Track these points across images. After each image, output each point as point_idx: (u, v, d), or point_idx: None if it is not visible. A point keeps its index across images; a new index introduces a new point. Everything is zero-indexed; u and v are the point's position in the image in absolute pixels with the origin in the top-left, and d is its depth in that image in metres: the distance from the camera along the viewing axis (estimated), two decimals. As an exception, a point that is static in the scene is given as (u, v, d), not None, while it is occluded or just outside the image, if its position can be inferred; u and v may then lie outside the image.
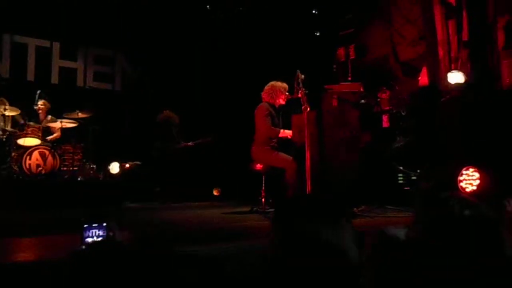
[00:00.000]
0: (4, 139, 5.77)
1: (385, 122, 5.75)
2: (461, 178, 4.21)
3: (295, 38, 7.19)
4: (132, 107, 7.69)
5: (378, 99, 5.80)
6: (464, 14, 5.12)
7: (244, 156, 4.85)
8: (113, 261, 0.95)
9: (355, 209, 3.94)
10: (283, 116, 4.69)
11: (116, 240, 1.15)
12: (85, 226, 1.30)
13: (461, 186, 4.18)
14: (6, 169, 5.58)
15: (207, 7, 7.53)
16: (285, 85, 4.60)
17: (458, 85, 4.80)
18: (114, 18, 7.26)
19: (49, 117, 6.27)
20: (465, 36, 5.12)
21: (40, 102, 6.18)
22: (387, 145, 5.41)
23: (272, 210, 4.42)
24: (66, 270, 0.99)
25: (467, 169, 4.17)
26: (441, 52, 5.31)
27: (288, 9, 7.26)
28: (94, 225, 1.31)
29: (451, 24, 5.27)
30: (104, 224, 1.33)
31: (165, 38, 7.56)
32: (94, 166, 6.35)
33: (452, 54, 5.21)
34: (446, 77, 4.95)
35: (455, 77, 4.77)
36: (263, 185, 4.59)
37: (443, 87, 5.05)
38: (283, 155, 4.49)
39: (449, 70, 5.07)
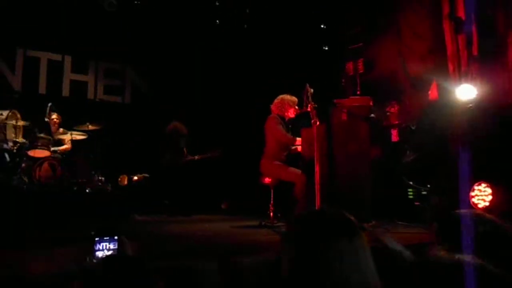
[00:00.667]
0: (15, 151, 5.83)
1: (395, 136, 5.72)
2: (473, 193, 4.15)
3: (304, 52, 7.22)
4: (141, 120, 7.73)
5: (388, 113, 5.78)
6: (474, 28, 5.11)
7: (253, 169, 4.84)
8: (125, 276, 0.94)
9: (365, 224, 3.90)
10: (293, 130, 4.69)
11: (128, 255, 1.14)
12: (96, 239, 1.28)
13: (473, 202, 4.12)
14: (16, 180, 5.62)
15: (216, 22, 7.62)
16: (294, 98, 4.61)
17: (469, 99, 4.77)
18: (123, 33, 7.36)
19: (61, 129, 6.35)
20: (475, 51, 5.10)
21: (55, 116, 6.27)
22: (397, 159, 5.38)
23: (280, 224, 4.39)
24: (76, 284, 0.98)
25: (479, 184, 4.12)
26: (451, 67, 5.29)
27: (297, 24, 7.31)
28: (105, 238, 1.29)
29: (461, 38, 5.26)
30: (115, 238, 1.30)
31: (174, 52, 7.64)
32: (103, 178, 6.37)
33: (462, 69, 5.18)
34: (456, 92, 4.93)
35: (466, 91, 4.74)
36: (272, 199, 4.57)
37: (453, 101, 5.01)
38: (292, 168, 4.48)
39: (459, 84, 5.04)
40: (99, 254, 1.29)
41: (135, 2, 7.12)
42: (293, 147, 4.59)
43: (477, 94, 4.79)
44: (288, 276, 1.12)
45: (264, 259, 2.07)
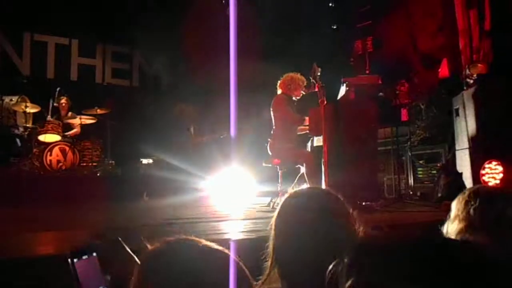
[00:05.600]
0: (26, 136, 5.89)
1: (404, 115, 5.65)
2: (483, 171, 4.10)
3: (312, 32, 7.11)
4: (149, 103, 7.74)
5: (397, 92, 5.70)
6: (486, 2, 4.98)
7: (262, 150, 4.83)
8: None
9: (373, 203, 3.89)
10: (300, 110, 4.64)
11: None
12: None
13: (484, 180, 4.07)
14: (27, 165, 5.69)
15: (222, 1, 7.51)
16: (303, 78, 4.55)
17: (480, 76, 4.67)
18: (130, 15, 7.30)
19: (70, 113, 6.37)
20: (487, 26, 4.97)
21: (63, 100, 6.29)
22: (407, 138, 5.33)
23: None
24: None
25: (490, 162, 4.07)
26: (462, 43, 5.17)
27: (305, 3, 7.19)
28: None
29: (472, 13, 5.12)
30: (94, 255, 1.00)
31: (180, 32, 7.57)
32: (113, 161, 6.42)
33: (474, 44, 5.06)
34: (467, 68, 4.83)
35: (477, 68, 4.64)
36: (280, 179, 4.57)
37: (464, 78, 4.92)
38: (301, 149, 4.46)
39: (471, 61, 4.94)
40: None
41: None
42: (300, 127, 4.55)
43: (489, 70, 4.69)
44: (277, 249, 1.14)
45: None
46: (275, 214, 1.17)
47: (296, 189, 1.25)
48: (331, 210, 1.13)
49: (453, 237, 1.16)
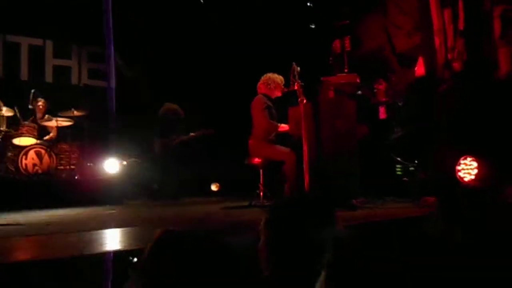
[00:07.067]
0: (0, 140, 5.73)
1: (382, 113, 5.74)
2: (459, 167, 4.20)
3: (290, 31, 7.15)
4: (128, 104, 7.62)
5: (375, 90, 5.79)
6: (460, 3, 5.10)
7: (242, 150, 4.83)
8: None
9: (354, 200, 3.93)
10: (279, 109, 4.66)
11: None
12: None
13: (459, 176, 4.18)
14: (2, 169, 5.54)
15: (201, 2, 7.48)
16: (281, 77, 4.58)
17: (455, 74, 4.79)
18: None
19: (46, 116, 6.22)
20: (461, 25, 5.09)
21: (41, 102, 6.15)
22: (385, 136, 5.40)
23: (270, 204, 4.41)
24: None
25: (465, 158, 4.17)
26: (437, 42, 5.29)
27: (283, 2, 7.22)
28: None
29: (447, 13, 5.24)
30: None
31: (159, 34, 7.50)
32: (92, 164, 6.31)
33: (449, 44, 5.18)
34: (442, 67, 4.94)
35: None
36: (261, 179, 4.58)
37: (440, 77, 5.03)
38: (280, 147, 4.48)
39: (446, 59, 5.05)
40: None
41: None
42: (281, 126, 4.56)
43: (463, 69, 4.81)
44: (267, 258, 1.13)
45: (251, 237, 2.07)
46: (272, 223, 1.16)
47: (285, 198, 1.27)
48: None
49: None
